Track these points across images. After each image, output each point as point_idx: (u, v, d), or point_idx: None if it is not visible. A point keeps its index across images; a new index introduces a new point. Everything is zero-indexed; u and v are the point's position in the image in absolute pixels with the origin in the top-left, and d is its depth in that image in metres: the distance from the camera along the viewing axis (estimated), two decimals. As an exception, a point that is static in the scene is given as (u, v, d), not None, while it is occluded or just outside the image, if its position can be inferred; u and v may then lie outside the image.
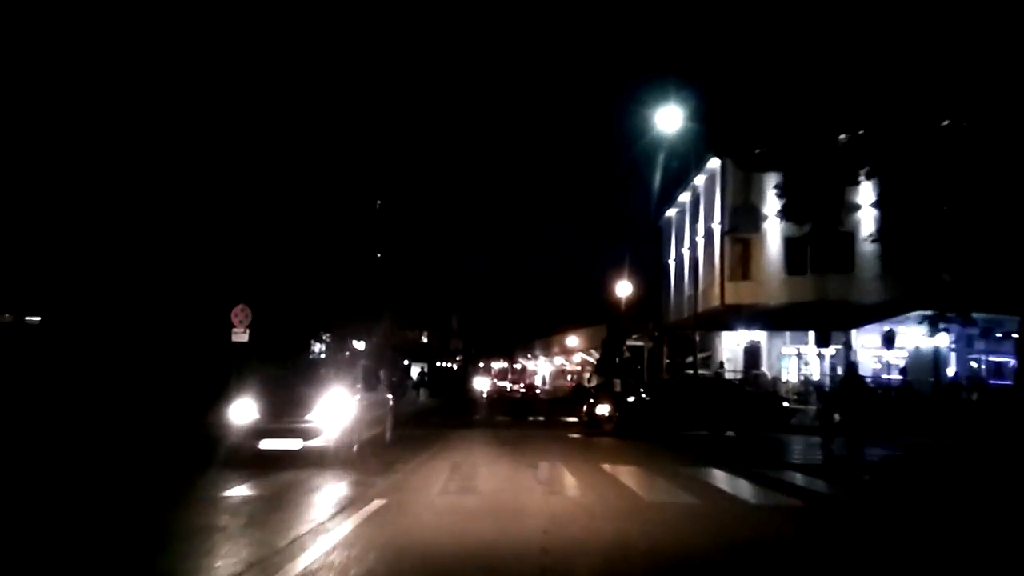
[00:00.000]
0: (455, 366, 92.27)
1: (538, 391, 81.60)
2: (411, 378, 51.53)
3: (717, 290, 31.92)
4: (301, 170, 33.77)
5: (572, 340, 64.53)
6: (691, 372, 32.92)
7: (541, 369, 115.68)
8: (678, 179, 39.16)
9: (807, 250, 30.08)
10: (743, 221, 31.66)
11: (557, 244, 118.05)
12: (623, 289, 37.42)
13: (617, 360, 50.40)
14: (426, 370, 55.46)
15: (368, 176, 46.82)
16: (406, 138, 53.96)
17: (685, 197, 38.27)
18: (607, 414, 20.62)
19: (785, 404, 21.91)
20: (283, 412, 12.20)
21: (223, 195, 28.50)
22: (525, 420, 29.66)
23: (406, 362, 57.74)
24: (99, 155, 25.67)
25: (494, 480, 10.89)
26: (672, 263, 41.37)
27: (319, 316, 36.09)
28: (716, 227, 32.40)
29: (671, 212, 41.56)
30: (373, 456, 13.18)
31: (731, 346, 33.55)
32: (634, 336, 37.77)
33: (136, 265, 26.40)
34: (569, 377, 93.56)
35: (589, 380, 70.24)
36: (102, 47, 25.30)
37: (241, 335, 24.37)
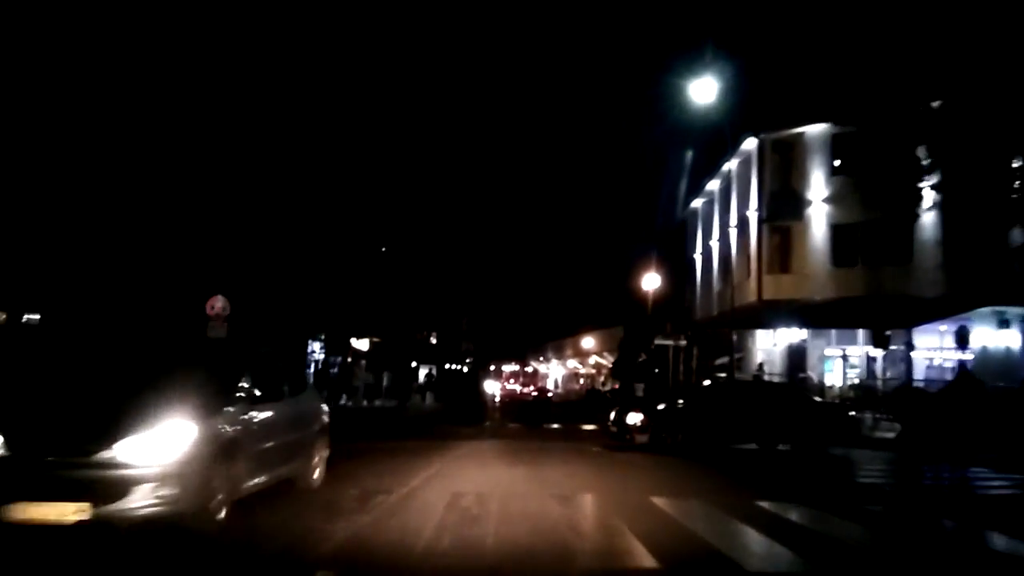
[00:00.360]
0: (465, 368, 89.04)
1: (550, 394, 78.37)
2: (417, 381, 48.25)
3: (753, 284, 28.49)
4: (302, 161, 30.83)
5: (587, 342, 61.07)
6: (725, 375, 29.47)
7: (553, 372, 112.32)
8: (705, 169, 35.84)
9: (858, 239, 26.62)
10: (783, 208, 28.23)
11: (572, 243, 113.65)
12: (650, 282, 33.96)
13: (638, 362, 46.99)
14: (434, 372, 52.16)
15: (375, 169, 43.75)
16: (416, 128, 50.81)
17: (714, 185, 34.84)
18: (638, 424, 17.22)
19: (852, 413, 18.44)
20: (60, 440, 6.30)
21: (218, 184, 25.59)
22: (540, 428, 26.37)
23: (413, 364, 54.49)
24: (86, 148, 22.95)
25: (509, 526, 7.50)
26: (699, 257, 37.88)
27: (315, 313, 32.87)
28: (752, 215, 28.98)
29: (697, 203, 38.11)
30: (287, 511, 7.94)
31: (766, 346, 30.11)
32: (660, 336, 34.31)
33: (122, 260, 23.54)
34: (582, 381, 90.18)
35: (604, 384, 66.75)
36: (101, 46, 22.99)
37: (218, 330, 21.20)
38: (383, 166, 46.12)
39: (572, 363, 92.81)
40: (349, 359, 37.89)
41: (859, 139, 26.82)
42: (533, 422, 30.72)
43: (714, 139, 36.86)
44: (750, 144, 29.02)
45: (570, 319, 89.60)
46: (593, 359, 61.25)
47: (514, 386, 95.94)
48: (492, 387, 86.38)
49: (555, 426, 26.75)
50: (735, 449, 16.85)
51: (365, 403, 33.03)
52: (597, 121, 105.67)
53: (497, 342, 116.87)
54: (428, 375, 51.04)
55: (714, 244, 35.04)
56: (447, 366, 63.88)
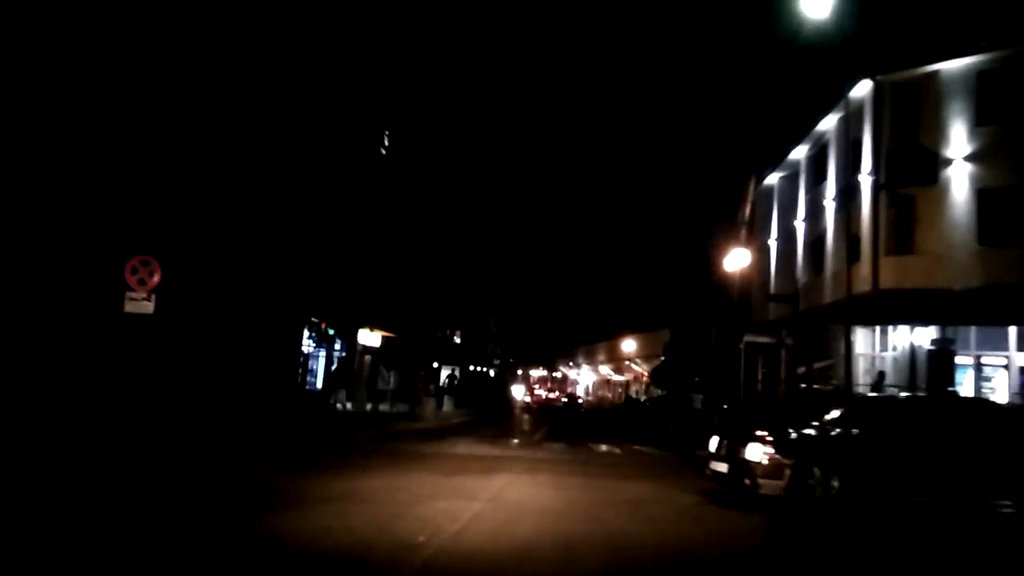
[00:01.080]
0: (492, 372, 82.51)
1: (580, 401, 71.94)
2: (438, 383, 41.62)
3: (866, 270, 21.49)
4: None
5: (628, 345, 54.06)
6: (817, 385, 22.54)
7: (583, 379, 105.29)
8: (786, 137, 28.89)
9: (1016, 208, 19.58)
10: (908, 170, 21.23)
11: (610, 241, 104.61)
12: (737, 260, 26.74)
13: (696, 367, 40.02)
14: (456, 374, 45.55)
15: (403, 152, 37.45)
16: (444, 111, 44.45)
17: (799, 153, 27.83)
18: (766, 462, 10.39)
19: None
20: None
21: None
22: (585, 447, 19.75)
23: (435, 364, 47.99)
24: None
25: None
26: (775, 242, 30.80)
27: (308, 292, 26.39)
28: (864, 181, 21.98)
29: (773, 179, 31.07)
30: None
31: (869, 349, 23.22)
32: (752, 333, 27.07)
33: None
34: (619, 389, 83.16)
35: (646, 391, 59.78)
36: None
37: (140, 303, 14.82)
38: (413, 150, 39.99)
39: (604, 369, 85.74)
40: (342, 352, 31.39)
41: (1016, 74, 19.88)
42: (574, 436, 24.07)
43: (797, 99, 30.01)
44: (861, 90, 21.98)
45: (604, 322, 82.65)
46: (633, 365, 54.35)
47: (543, 392, 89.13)
48: (519, 392, 79.95)
49: (603, 447, 19.94)
50: (945, 511, 9.98)
51: (369, 406, 26.58)
52: (650, 94, 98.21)
53: (525, 345, 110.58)
54: (450, 376, 44.35)
55: (799, 225, 27.97)
56: (471, 368, 57.30)
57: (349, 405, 26.63)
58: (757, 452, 10.45)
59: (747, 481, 10.40)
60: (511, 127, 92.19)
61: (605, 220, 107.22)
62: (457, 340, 53.40)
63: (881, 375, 19.79)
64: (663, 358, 56.82)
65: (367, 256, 32.45)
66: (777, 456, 10.29)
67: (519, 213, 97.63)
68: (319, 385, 29.88)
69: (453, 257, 50.60)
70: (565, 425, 33.73)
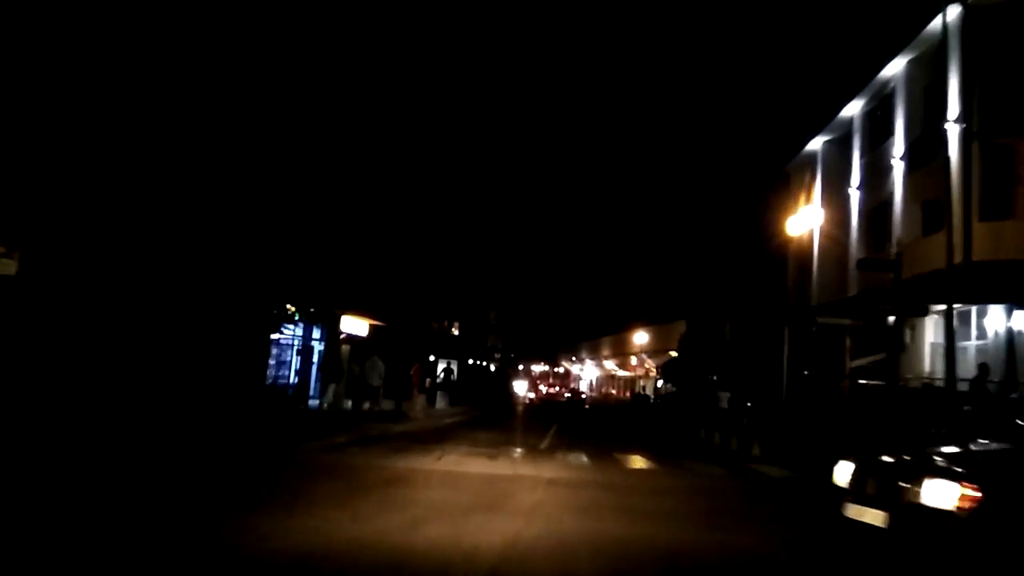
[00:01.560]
0: (493, 366, 78.18)
1: (584, 397, 67.84)
2: (432, 377, 37.19)
3: (957, 237, 17.04)
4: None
5: (638, 338, 49.68)
6: (878, 381, 18.17)
7: (587, 374, 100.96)
8: (834, 94, 24.47)
9: None
10: (1009, 116, 16.83)
11: (619, 231, 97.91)
12: (803, 221, 21.99)
13: (721, 361, 35.71)
14: (453, 368, 41.10)
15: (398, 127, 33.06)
16: (448, 91, 40.01)
17: (853, 109, 23.42)
18: (963, 509, 5.95)
19: None
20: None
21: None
22: (612, 459, 15.36)
23: (432, 358, 43.60)
24: None
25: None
26: (822, 213, 26.21)
27: (287, 278, 22.11)
28: (952, 130, 17.55)
29: (816, 144, 26.59)
30: None
31: (935, 336, 18.85)
32: (826, 315, 22.29)
33: None
34: (624, 385, 78.80)
35: (657, 388, 55.35)
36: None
37: None
38: (416, 135, 35.66)
39: (609, 364, 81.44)
40: (322, 342, 26.98)
41: None
42: (589, 442, 19.72)
43: (847, 47, 25.55)
44: (937, 25, 17.51)
45: (609, 315, 78.24)
46: (639, 360, 50.05)
47: (545, 387, 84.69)
48: (522, 388, 75.54)
49: (636, 461, 15.42)
50: None
51: (349, 403, 22.19)
52: (669, 57, 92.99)
53: (527, 340, 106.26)
54: (445, 370, 39.87)
55: (852, 193, 23.48)
56: (470, 362, 52.86)
57: (327, 404, 22.25)
58: (950, 494, 5.98)
59: (939, 550, 5.93)
60: (517, 109, 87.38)
61: (613, 206, 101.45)
62: (455, 332, 49.01)
63: (984, 368, 15.35)
64: (673, 353, 52.39)
65: (355, 233, 28.06)
66: (977, 499, 5.86)
67: (523, 200, 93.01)
68: (295, 380, 25.52)
69: (453, 244, 46.23)
70: (574, 425, 29.31)
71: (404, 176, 34.79)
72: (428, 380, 37.41)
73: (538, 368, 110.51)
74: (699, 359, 41.57)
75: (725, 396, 28.82)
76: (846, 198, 23.92)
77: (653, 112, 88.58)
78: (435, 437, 17.92)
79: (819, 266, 25.18)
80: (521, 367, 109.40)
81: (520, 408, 46.97)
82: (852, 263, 22.51)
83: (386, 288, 32.45)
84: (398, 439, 16.62)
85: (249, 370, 20.75)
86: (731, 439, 20.55)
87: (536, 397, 69.09)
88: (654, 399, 48.52)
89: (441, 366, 40.63)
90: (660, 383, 52.50)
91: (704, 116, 70.44)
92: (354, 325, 29.53)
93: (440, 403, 27.53)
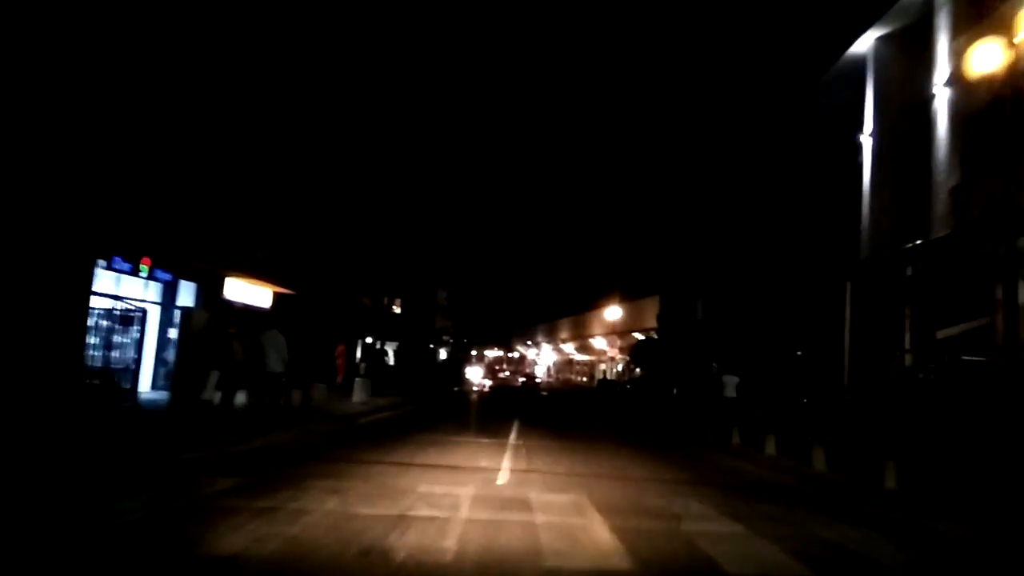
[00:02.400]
0: (443, 351, 70.56)
1: (538, 382, 61.04)
2: (363, 361, 29.50)
3: None
4: None
5: (608, 315, 42.47)
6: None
7: (543, 359, 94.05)
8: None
9: None
10: None
11: (580, 199, 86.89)
12: (990, 58, 14.68)
13: (724, 339, 28.91)
14: (388, 351, 33.46)
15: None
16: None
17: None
18: None
19: None
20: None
21: None
22: (575, 439, 8.52)
23: (369, 340, 35.85)
24: None
25: None
26: (870, 143, 19.09)
27: (128, 214, 14.39)
28: None
29: (863, 46, 19.52)
30: None
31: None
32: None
33: None
34: (585, 369, 71.87)
35: (620, 372, 48.31)
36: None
37: None
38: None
39: (568, 348, 74.51)
40: (198, 310, 19.07)
41: None
42: (558, 428, 12.53)
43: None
44: None
45: (569, 295, 71.17)
46: (609, 341, 42.85)
47: (502, 374, 77.18)
48: (476, 375, 68.06)
49: (603, 461, 8.21)
50: None
51: (217, 397, 14.48)
52: None
53: (481, 323, 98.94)
54: (375, 352, 32.15)
55: (939, 93, 16.35)
56: (416, 345, 45.15)
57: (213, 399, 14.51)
58: None
59: None
60: (473, 60, 78.74)
61: (574, 168, 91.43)
62: (397, 311, 41.25)
63: None
64: (639, 336, 45.43)
65: (255, 165, 20.26)
66: None
67: (476, 173, 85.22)
68: (147, 364, 17.66)
69: (395, 208, 38.48)
70: (535, 419, 22.05)
71: (335, 120, 26.99)
72: (363, 365, 29.74)
73: (493, 353, 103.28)
74: (684, 337, 34.64)
75: (731, 382, 21.80)
76: (918, 107, 16.86)
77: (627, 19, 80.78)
78: (302, 458, 10.39)
79: (877, 202, 18.12)
80: (475, 353, 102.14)
81: (473, 397, 39.53)
82: (936, 191, 15.52)
83: (301, 248, 24.64)
84: (217, 470, 9.05)
85: (48, 348, 12.88)
86: (766, 441, 13.60)
87: (492, 384, 61.71)
88: (624, 385, 41.50)
89: (360, 350, 32.80)
90: (622, 367, 45.47)
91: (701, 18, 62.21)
92: (249, 292, 21.68)
93: (360, 394, 19.81)
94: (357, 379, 19.81)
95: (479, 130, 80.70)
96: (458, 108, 69.98)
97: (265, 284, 22.24)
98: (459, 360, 64.61)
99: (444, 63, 59.57)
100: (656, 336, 41.52)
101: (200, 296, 19.59)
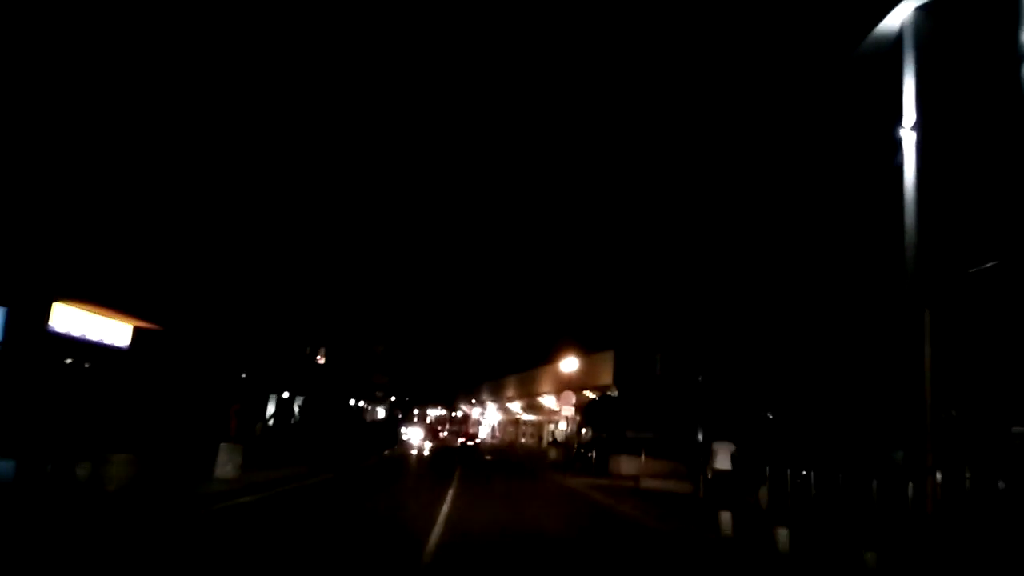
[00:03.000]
0: (381, 409, 64.22)
1: (478, 441, 55.55)
2: (265, 420, 23.66)
3: None
4: None
5: (570, 364, 37.24)
6: None
7: (488, 418, 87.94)
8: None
9: None
10: None
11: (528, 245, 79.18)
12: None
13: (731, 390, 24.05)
14: (295, 406, 27.54)
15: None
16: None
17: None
18: None
19: None
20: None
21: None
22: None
23: (286, 395, 29.85)
24: None
25: None
26: (913, 134, 14.48)
27: None
28: None
29: (895, 21, 15.26)
30: None
31: None
32: None
33: None
34: (532, 430, 66.05)
35: (581, 434, 42.76)
36: None
37: None
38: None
39: (515, 407, 68.75)
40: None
41: None
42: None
43: None
44: None
45: (516, 351, 65.91)
46: (563, 397, 37.40)
47: (443, 434, 70.73)
48: (416, 436, 61.60)
49: None
50: None
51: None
52: None
53: (424, 381, 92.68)
54: (286, 405, 26.15)
55: None
56: (343, 401, 39.07)
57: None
58: None
59: None
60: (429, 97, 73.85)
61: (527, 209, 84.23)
62: (320, 360, 35.36)
63: None
64: (590, 394, 40.31)
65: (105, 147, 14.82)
66: None
67: (420, 219, 79.93)
68: None
69: (325, 248, 33.16)
70: (477, 488, 16.66)
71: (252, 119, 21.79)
72: (260, 425, 23.82)
73: (436, 412, 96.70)
74: (645, 395, 29.68)
75: (725, 451, 16.74)
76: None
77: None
78: None
79: (923, 209, 13.53)
80: (417, 412, 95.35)
81: (407, 462, 33.64)
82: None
83: (183, 272, 19.01)
84: None
85: None
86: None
87: (433, 445, 55.46)
88: (579, 448, 36.13)
89: (271, 407, 26.94)
90: (568, 428, 40.09)
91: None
92: (96, 325, 15.94)
93: (226, 467, 13.99)
94: (223, 445, 14.05)
95: (427, 166, 75.72)
96: (407, 132, 65.43)
97: (119, 316, 16.52)
98: (395, 419, 58.41)
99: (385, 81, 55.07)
100: (612, 394, 36.41)
101: (9, 326, 13.80)
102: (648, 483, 22.06)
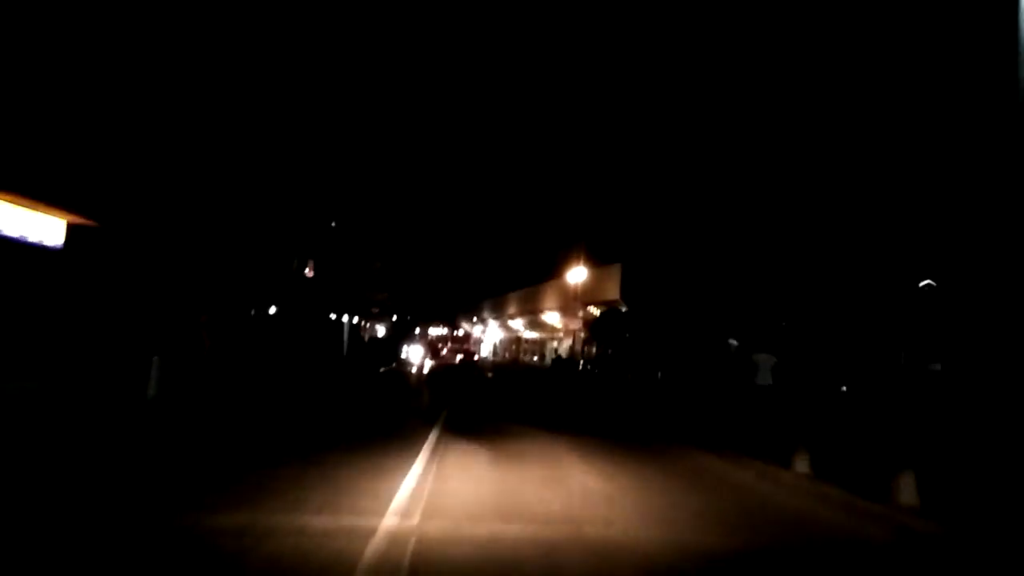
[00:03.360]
0: (381, 327, 62.26)
1: (479, 359, 53.65)
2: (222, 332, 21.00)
3: None
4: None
5: (579, 273, 34.44)
6: None
7: (489, 336, 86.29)
8: None
9: None
10: None
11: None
12: None
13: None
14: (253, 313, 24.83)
15: None
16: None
17: None
18: None
19: None
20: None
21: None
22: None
23: (273, 309, 27.31)
24: None
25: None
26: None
27: None
28: None
29: None
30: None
31: None
32: None
33: None
34: (534, 347, 64.14)
35: (584, 350, 40.52)
36: None
37: None
38: None
39: (517, 324, 66.76)
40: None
41: None
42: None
43: None
44: None
45: (518, 267, 63.28)
46: (553, 318, 34.81)
47: (445, 353, 68.78)
48: (416, 354, 59.37)
49: None
50: None
51: None
52: None
53: (424, 298, 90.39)
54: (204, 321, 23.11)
55: None
56: (335, 317, 36.62)
57: None
58: None
59: None
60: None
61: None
62: (308, 273, 32.66)
63: None
64: (594, 310, 37.65)
65: None
66: None
67: (420, 129, 75.88)
68: None
69: (315, 153, 29.96)
70: (477, 409, 14.39)
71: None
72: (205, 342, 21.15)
73: (437, 331, 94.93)
74: (662, 310, 27.09)
75: (766, 364, 14.21)
76: None
77: None
78: None
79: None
80: (419, 330, 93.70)
81: (404, 379, 31.40)
82: None
83: (131, 158, 16.00)
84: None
85: None
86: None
87: (435, 363, 53.27)
88: (585, 365, 33.87)
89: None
90: (572, 345, 37.69)
91: None
92: (17, 219, 13.10)
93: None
94: (155, 359, 11.41)
95: (431, 70, 71.14)
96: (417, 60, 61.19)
97: (50, 210, 13.65)
98: (395, 337, 56.34)
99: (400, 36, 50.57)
100: (621, 309, 33.84)
101: None
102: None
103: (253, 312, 24.09)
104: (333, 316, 35.06)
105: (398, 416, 14.72)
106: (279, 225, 27.36)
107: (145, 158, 16.32)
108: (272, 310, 27.75)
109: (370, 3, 40.08)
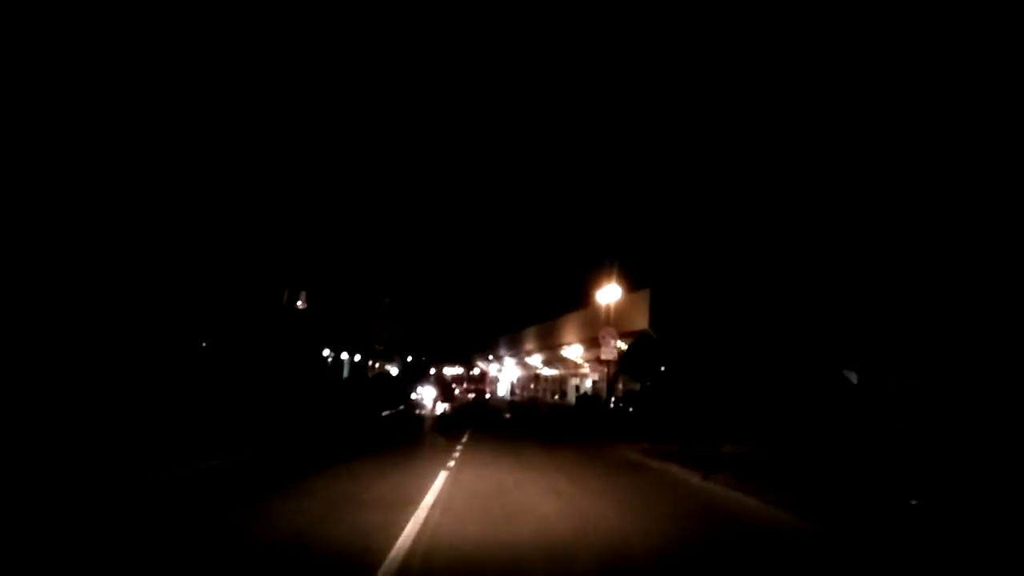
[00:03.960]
0: (393, 368, 57.96)
1: (488, 397, 50.26)
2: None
3: None
4: None
5: (611, 293, 29.96)
6: None
7: (506, 375, 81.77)
8: None
9: None
10: None
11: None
12: None
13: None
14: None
15: None
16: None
17: None
18: None
19: None
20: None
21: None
22: None
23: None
24: None
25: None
26: None
27: None
28: None
29: None
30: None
31: None
32: None
33: None
34: (554, 384, 59.40)
35: (611, 386, 35.74)
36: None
37: None
38: None
39: (535, 360, 62.10)
40: None
41: None
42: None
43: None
44: None
45: (536, 300, 59.10)
46: (575, 352, 30.11)
47: (460, 393, 64.24)
48: (427, 394, 54.84)
49: None
50: None
51: None
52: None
53: (438, 338, 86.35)
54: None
55: None
56: (331, 355, 32.47)
57: None
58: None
59: None
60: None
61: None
62: (300, 305, 28.56)
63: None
64: (621, 345, 33.11)
65: None
66: None
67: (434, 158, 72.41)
68: None
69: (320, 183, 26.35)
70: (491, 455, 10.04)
71: None
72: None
73: (452, 371, 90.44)
74: (712, 336, 22.77)
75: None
76: None
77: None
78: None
79: None
80: (433, 371, 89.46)
81: (407, 423, 27.06)
82: None
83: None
84: None
85: None
86: None
87: (450, 405, 48.71)
88: (617, 403, 29.37)
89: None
90: (595, 382, 33.07)
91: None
92: None
93: None
94: None
95: (443, 102, 67.59)
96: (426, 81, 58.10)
97: None
98: (405, 377, 51.94)
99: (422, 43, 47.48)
100: (651, 336, 29.39)
101: None
102: (731, 448, 15.23)
103: (204, 345, 19.90)
104: (328, 353, 30.90)
105: (373, 477, 10.39)
106: (264, 251, 23.49)
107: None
108: (236, 343, 23.56)
109: (388, 23, 36.99)
